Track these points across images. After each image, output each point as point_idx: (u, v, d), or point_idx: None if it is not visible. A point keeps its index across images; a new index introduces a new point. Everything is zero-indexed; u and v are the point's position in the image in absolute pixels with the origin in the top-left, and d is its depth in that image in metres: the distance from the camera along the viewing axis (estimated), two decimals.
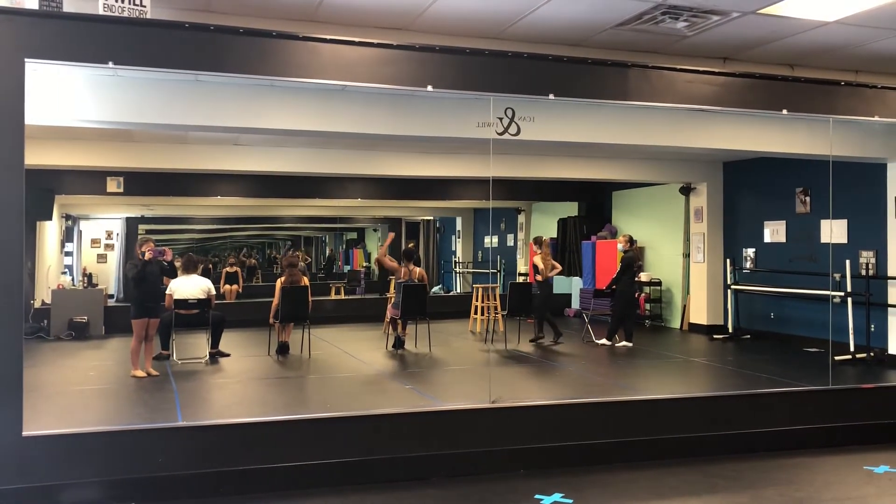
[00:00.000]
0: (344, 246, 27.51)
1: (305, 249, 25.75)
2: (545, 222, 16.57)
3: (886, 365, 8.59)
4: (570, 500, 4.56)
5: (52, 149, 9.62)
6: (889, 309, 8.70)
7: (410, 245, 10.55)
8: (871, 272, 9.16)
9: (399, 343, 9.96)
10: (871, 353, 8.82)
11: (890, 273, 8.61)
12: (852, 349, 8.91)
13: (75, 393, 7.34)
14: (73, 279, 15.17)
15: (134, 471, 4.50)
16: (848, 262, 9.15)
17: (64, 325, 11.43)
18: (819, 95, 6.48)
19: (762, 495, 4.67)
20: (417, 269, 9.93)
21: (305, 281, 9.66)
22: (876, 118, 6.62)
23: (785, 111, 6.35)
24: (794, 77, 6.57)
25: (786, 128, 7.32)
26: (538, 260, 10.56)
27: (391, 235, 11.29)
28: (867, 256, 9.33)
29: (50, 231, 13.60)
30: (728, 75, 6.29)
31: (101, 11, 4.83)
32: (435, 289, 19.20)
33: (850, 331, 8.98)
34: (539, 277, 10.54)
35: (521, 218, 17.31)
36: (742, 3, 5.54)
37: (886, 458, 5.44)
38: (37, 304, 12.08)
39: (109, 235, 18.76)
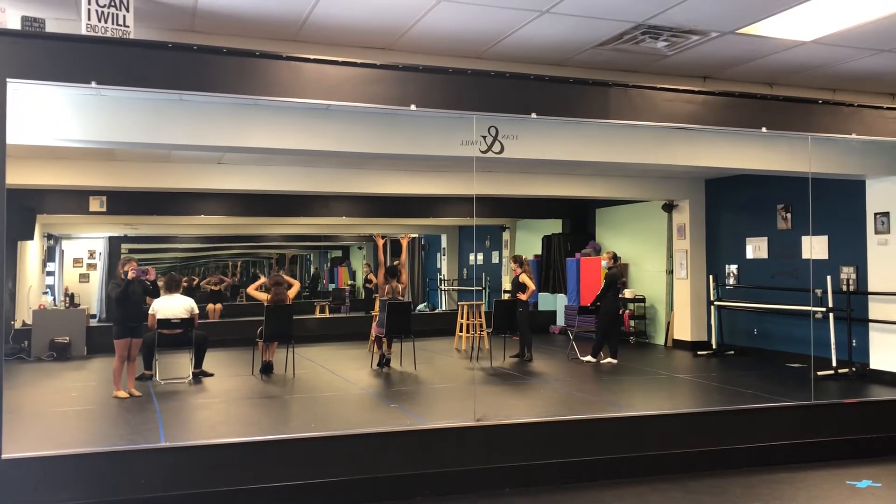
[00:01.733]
0: (329, 264, 27.48)
1: (290, 268, 25.65)
2: (530, 239, 16.62)
3: (868, 380, 8.66)
4: None
5: (34, 168, 9.58)
6: (870, 324, 8.77)
7: (395, 262, 10.48)
8: (851, 288, 9.26)
9: (384, 361, 9.93)
10: (853, 369, 8.88)
11: (870, 289, 8.70)
12: (834, 364, 8.98)
13: (56, 414, 7.26)
14: (54, 299, 15.02)
15: (116, 493, 4.45)
16: (829, 277, 9.25)
17: (45, 346, 11.31)
18: (797, 113, 6.58)
19: None
20: (400, 286, 9.92)
21: (291, 295, 9.64)
22: (853, 135, 6.74)
23: (764, 129, 6.45)
24: (772, 95, 6.67)
25: (765, 145, 7.41)
26: (526, 278, 10.56)
27: (380, 242, 10.60)
28: (848, 272, 9.43)
29: (31, 251, 13.47)
30: (708, 94, 6.38)
31: (84, 31, 4.83)
32: (420, 306, 19.19)
33: (832, 346, 9.05)
34: (523, 296, 10.54)
35: (506, 235, 17.38)
36: (721, 23, 5.63)
37: (868, 473, 5.48)
38: (17, 325, 11.94)
39: (92, 255, 18.59)
